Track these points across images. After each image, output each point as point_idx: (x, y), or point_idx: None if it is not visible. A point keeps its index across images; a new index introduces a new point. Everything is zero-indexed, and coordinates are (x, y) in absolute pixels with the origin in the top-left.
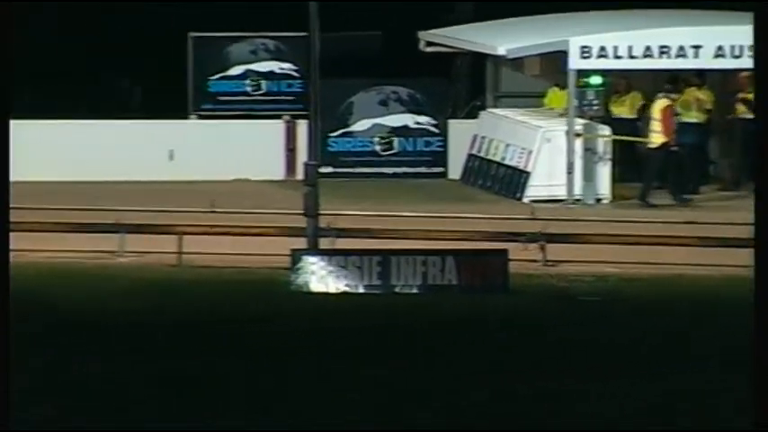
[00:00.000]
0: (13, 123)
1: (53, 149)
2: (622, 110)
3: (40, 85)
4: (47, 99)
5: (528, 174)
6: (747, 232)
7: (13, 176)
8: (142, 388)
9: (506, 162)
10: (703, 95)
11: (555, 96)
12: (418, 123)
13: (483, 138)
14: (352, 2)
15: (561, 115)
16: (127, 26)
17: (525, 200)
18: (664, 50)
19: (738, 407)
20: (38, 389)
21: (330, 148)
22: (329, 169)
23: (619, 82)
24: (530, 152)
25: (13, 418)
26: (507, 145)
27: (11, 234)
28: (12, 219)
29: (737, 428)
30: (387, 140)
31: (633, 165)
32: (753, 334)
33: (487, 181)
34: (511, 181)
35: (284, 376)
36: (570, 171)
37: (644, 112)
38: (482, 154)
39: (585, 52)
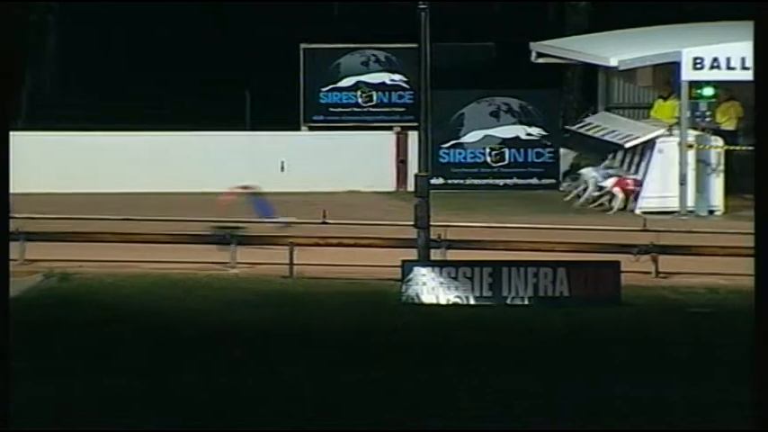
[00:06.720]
0: (127, 135)
1: (167, 161)
2: (722, 121)
3: (153, 97)
4: (161, 110)
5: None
6: None
7: (126, 188)
8: (257, 397)
9: None
10: None
11: (660, 108)
12: (529, 134)
13: None
14: (462, 13)
15: (671, 126)
16: (240, 38)
17: (637, 211)
18: None
19: None
20: (150, 394)
21: (441, 160)
22: (440, 180)
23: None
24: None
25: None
26: None
27: (126, 245)
28: (127, 230)
29: None
30: (498, 152)
31: (743, 176)
32: (754, 340)
33: None
34: None
35: (400, 385)
36: (683, 182)
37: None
38: None
39: (698, 63)
